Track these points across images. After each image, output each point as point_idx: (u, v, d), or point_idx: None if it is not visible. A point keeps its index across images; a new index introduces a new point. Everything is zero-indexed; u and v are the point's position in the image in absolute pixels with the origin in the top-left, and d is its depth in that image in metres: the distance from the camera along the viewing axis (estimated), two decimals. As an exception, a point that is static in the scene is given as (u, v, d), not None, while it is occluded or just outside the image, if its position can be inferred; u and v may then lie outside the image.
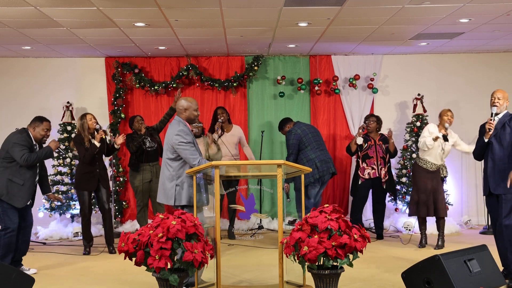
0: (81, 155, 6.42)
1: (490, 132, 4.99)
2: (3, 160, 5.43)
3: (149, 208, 7.36)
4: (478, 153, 5.17)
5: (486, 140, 5.01)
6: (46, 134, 5.57)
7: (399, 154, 8.31)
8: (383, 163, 7.31)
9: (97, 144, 6.38)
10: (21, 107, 8.40)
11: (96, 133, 6.46)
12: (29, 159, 5.36)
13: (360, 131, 7.31)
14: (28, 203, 5.57)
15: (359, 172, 7.28)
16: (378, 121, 7.45)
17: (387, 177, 7.31)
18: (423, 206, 6.57)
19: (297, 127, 7.11)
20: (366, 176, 7.24)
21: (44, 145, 5.72)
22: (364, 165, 7.26)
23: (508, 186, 4.76)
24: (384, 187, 7.31)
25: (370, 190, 7.41)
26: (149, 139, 7.08)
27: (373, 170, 7.25)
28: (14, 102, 8.41)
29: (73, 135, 7.95)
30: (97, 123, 6.52)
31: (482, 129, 5.13)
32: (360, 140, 7.28)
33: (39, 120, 5.57)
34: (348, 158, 8.40)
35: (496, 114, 5.03)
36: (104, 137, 6.47)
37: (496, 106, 5.01)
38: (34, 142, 5.55)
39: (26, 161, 5.35)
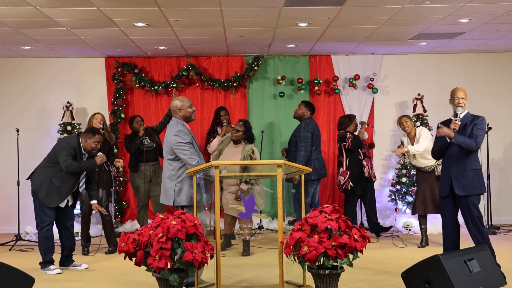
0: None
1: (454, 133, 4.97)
2: (49, 160, 5.66)
3: (149, 208, 7.37)
4: (438, 153, 5.16)
5: (449, 140, 4.98)
6: (96, 147, 5.73)
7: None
8: (371, 164, 7.45)
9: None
10: (21, 107, 8.40)
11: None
12: (70, 166, 5.53)
13: (367, 126, 7.55)
14: (70, 204, 5.75)
15: (363, 169, 7.28)
16: None
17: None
18: (420, 204, 6.66)
19: (313, 123, 7.10)
20: (366, 175, 7.27)
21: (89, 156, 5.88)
22: (364, 163, 7.28)
23: (438, 128, 4.83)
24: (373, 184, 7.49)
25: None
26: (147, 139, 7.11)
27: (368, 170, 7.29)
28: (14, 102, 8.41)
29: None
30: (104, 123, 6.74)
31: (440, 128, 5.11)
32: (366, 135, 7.53)
33: (92, 132, 5.71)
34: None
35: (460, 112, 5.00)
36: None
37: (461, 106, 4.99)
38: (84, 152, 5.71)
39: (67, 168, 5.53)
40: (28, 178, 5.75)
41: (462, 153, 4.92)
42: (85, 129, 6.70)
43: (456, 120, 4.96)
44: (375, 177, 7.51)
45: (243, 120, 6.57)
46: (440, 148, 5.10)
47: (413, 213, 6.92)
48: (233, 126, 6.63)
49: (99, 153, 5.84)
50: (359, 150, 7.27)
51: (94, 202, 5.95)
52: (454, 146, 4.94)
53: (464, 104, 5.01)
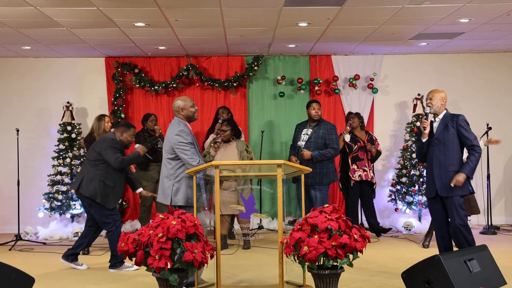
0: None
1: (426, 131, 5.05)
2: (95, 162, 5.59)
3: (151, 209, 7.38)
4: (421, 157, 5.21)
5: (424, 140, 5.06)
6: (132, 140, 5.76)
7: (399, 154, 8.32)
8: (371, 166, 7.37)
9: None
10: (21, 107, 8.40)
11: None
12: (123, 161, 5.56)
13: (348, 128, 7.26)
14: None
15: (349, 173, 7.29)
16: (360, 118, 7.53)
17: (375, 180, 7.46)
18: None
19: None
20: (357, 178, 7.26)
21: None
22: (355, 167, 7.28)
23: (452, 185, 4.84)
24: (375, 188, 7.41)
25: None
26: (161, 141, 7.16)
27: (365, 172, 7.27)
28: (14, 102, 8.41)
29: (73, 135, 7.97)
30: (111, 127, 6.65)
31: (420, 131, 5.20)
32: (347, 138, 7.24)
33: (127, 126, 5.73)
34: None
35: (433, 114, 5.07)
36: None
37: (429, 106, 5.07)
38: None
39: (120, 164, 5.53)
40: (77, 190, 5.62)
41: (444, 155, 4.96)
42: (90, 130, 6.75)
43: (425, 119, 5.08)
44: (373, 180, 7.39)
45: (225, 119, 6.91)
46: (419, 149, 5.18)
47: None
48: (219, 129, 6.77)
49: (138, 145, 5.90)
50: (346, 151, 7.28)
51: (141, 189, 5.98)
52: (436, 148, 4.99)
53: (431, 104, 5.06)
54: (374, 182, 7.42)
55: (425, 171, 7.65)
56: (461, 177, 4.83)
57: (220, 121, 7.27)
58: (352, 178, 7.26)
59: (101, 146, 5.60)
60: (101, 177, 5.53)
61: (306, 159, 6.56)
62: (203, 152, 6.80)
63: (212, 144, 6.66)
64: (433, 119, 5.11)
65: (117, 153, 5.54)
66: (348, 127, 7.26)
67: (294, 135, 6.95)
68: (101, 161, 5.56)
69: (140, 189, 5.95)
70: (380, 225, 7.51)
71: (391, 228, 7.64)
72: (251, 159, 6.61)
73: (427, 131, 5.07)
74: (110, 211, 5.58)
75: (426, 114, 5.09)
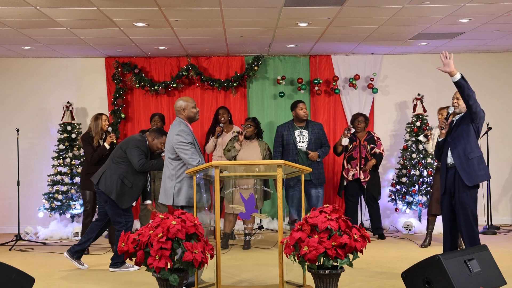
0: (88, 155, 6.43)
1: (443, 131, 5.06)
2: (118, 159, 5.57)
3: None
4: (436, 153, 5.27)
5: (439, 140, 5.09)
6: (162, 148, 5.70)
7: (399, 154, 8.32)
8: (364, 164, 7.25)
9: (107, 147, 6.41)
10: (21, 107, 8.41)
11: (106, 135, 6.51)
12: (145, 165, 5.51)
13: (346, 132, 7.20)
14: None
15: (343, 173, 7.31)
16: (366, 120, 7.49)
17: (369, 177, 7.23)
18: (436, 204, 6.53)
19: None
20: (350, 178, 7.24)
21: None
22: (349, 166, 7.28)
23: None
24: (366, 187, 7.26)
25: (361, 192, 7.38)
26: None
27: (356, 171, 7.25)
28: (14, 102, 8.41)
29: (73, 135, 7.97)
30: (109, 125, 6.60)
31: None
32: (345, 141, 7.19)
33: (160, 133, 5.67)
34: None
35: (456, 113, 5.08)
36: (114, 141, 6.45)
37: (455, 106, 5.08)
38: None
39: (142, 167, 5.50)
40: (96, 184, 5.59)
41: (462, 145, 4.93)
42: (87, 129, 6.64)
43: (444, 118, 5.11)
44: (366, 177, 7.24)
45: (250, 117, 7.07)
46: (438, 148, 5.19)
47: (428, 213, 6.82)
48: (243, 124, 6.94)
49: (164, 154, 5.87)
50: (345, 153, 7.31)
51: (149, 202, 5.95)
52: (452, 142, 4.97)
53: (458, 104, 5.06)
54: (364, 179, 7.21)
55: (425, 171, 7.73)
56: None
57: (221, 124, 7.27)
58: (346, 177, 7.27)
59: (128, 144, 5.58)
60: (121, 176, 5.50)
61: (314, 160, 6.71)
62: (227, 147, 6.80)
63: (236, 133, 6.80)
64: (454, 118, 5.11)
65: (142, 155, 5.50)
66: (346, 132, 7.18)
67: (282, 137, 6.86)
68: (124, 160, 5.54)
69: (149, 202, 5.95)
70: (381, 230, 7.42)
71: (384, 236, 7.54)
72: (271, 158, 6.80)
73: (444, 131, 5.07)
74: (124, 211, 5.56)
75: (448, 114, 5.11)
